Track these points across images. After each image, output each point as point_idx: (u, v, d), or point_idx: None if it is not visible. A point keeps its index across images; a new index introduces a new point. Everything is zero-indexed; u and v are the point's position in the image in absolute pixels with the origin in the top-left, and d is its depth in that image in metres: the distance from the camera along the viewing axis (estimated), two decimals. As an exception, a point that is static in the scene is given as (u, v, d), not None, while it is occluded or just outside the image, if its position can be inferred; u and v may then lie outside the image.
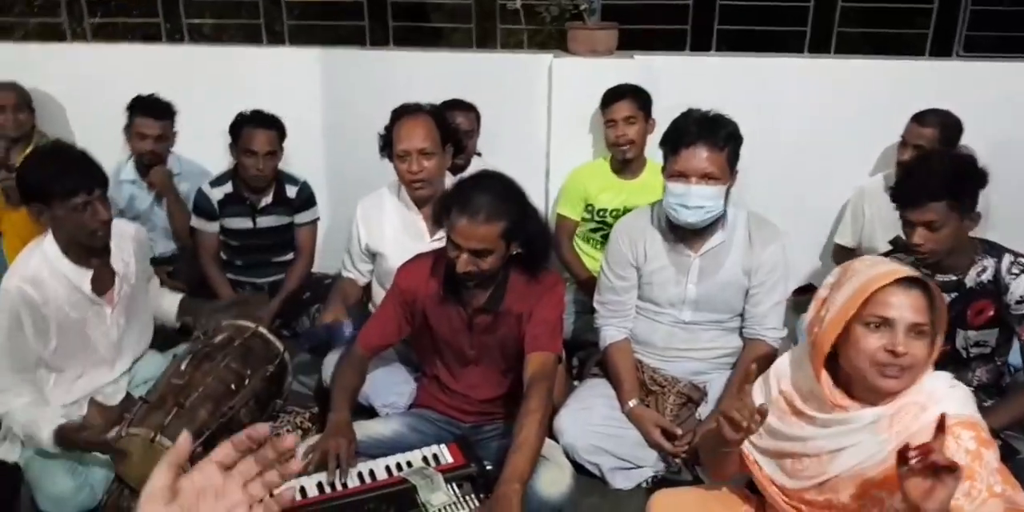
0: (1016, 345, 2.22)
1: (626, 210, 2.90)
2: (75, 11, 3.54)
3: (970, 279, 2.10)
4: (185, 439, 0.73)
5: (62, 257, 1.99)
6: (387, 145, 2.35)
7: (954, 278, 2.11)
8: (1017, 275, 2.05)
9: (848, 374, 1.48)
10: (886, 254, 2.26)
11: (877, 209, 2.96)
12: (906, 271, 1.43)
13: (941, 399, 1.43)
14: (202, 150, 3.15)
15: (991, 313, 2.11)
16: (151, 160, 3.01)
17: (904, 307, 1.40)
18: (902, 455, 1.28)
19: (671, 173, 2.13)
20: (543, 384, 1.83)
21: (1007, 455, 1.98)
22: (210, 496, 0.71)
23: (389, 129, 2.34)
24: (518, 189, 1.93)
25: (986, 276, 2.09)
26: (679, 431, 2.18)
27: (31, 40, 3.59)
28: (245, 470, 0.73)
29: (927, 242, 2.01)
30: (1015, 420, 2.08)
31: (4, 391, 1.98)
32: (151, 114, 2.95)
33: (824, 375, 1.50)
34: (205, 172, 3.13)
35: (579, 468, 2.15)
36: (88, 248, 2.02)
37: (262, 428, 0.73)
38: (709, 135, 2.06)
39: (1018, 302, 2.06)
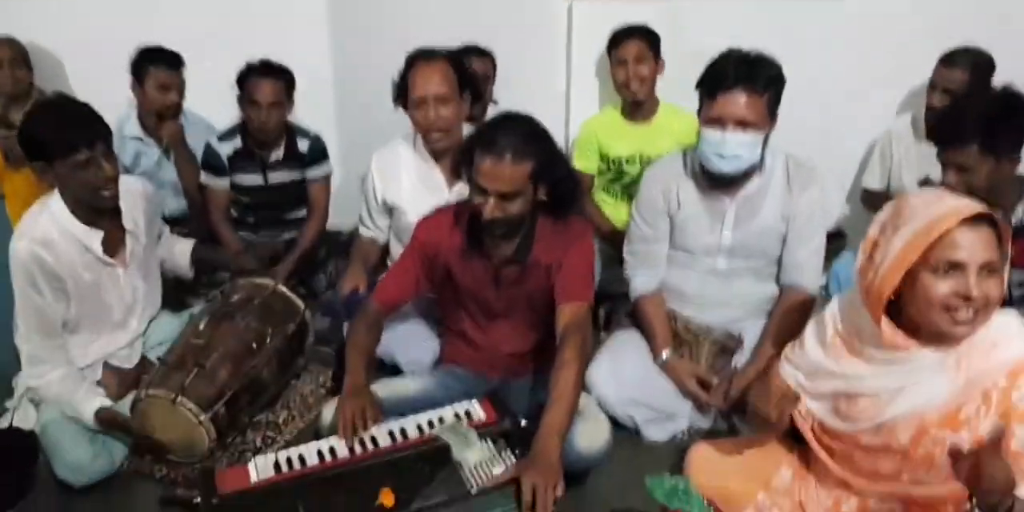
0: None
1: (642, 156, 2.84)
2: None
3: (1016, 217, 2.04)
4: None
5: (71, 217, 1.91)
6: (402, 93, 2.25)
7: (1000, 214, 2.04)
8: None
9: (912, 318, 1.39)
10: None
11: (905, 150, 2.88)
12: (971, 208, 1.32)
13: (1013, 336, 1.37)
14: (208, 103, 3.03)
15: None
16: (171, 113, 2.88)
17: (975, 248, 1.30)
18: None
19: (706, 118, 2.02)
20: (577, 336, 1.77)
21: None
22: None
23: (404, 76, 2.24)
24: (543, 129, 1.84)
25: None
26: (716, 381, 2.13)
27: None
28: None
29: (959, 184, 1.93)
30: None
31: (41, 362, 1.93)
32: (167, 64, 2.80)
33: (886, 321, 1.40)
34: (210, 126, 3.02)
35: (612, 421, 2.08)
36: (97, 208, 1.93)
37: None
38: (748, 79, 1.94)
39: None
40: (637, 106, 2.85)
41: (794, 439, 1.70)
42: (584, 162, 2.94)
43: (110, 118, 1.99)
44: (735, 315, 2.25)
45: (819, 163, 2.40)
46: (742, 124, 1.96)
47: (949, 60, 2.70)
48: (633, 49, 2.76)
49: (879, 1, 3.11)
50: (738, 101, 1.95)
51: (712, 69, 2.02)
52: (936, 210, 1.33)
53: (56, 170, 1.83)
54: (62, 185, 1.88)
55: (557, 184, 1.83)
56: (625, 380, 2.15)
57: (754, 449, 1.74)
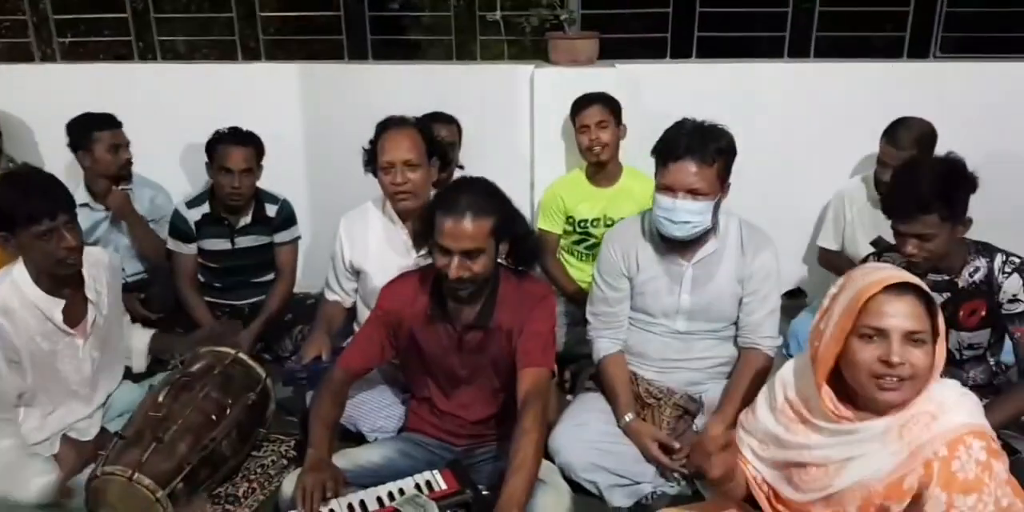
0: (1008, 344, 2.19)
1: (606, 218, 2.90)
2: (43, 31, 3.48)
3: (962, 279, 2.09)
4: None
5: (33, 285, 1.92)
6: (372, 159, 2.31)
7: (946, 278, 2.10)
8: (1009, 274, 2.05)
9: (851, 387, 1.44)
10: (872, 255, 2.26)
11: (858, 212, 2.95)
12: (897, 277, 1.39)
13: (952, 408, 1.40)
14: (178, 170, 3.09)
15: (983, 313, 2.10)
16: (126, 171, 2.89)
17: (897, 315, 1.36)
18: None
19: (659, 185, 2.09)
20: (537, 402, 1.79)
21: (1010, 455, 1.96)
22: None
23: (374, 142, 2.31)
24: (500, 190, 1.91)
25: (978, 276, 2.08)
26: (677, 445, 2.14)
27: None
28: None
29: (920, 252, 1.98)
30: (1011, 419, 2.06)
31: None
32: (111, 125, 2.84)
33: (825, 389, 1.46)
34: (158, 185, 3.06)
35: (576, 487, 2.09)
36: (60, 277, 1.94)
37: None
38: (699, 150, 2.01)
39: (1010, 301, 2.05)
40: (601, 170, 2.92)
41: (754, 505, 1.72)
42: (549, 224, 3.01)
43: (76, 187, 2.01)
44: (696, 377, 2.28)
45: (775, 223, 2.48)
46: (692, 192, 2.02)
47: (894, 140, 2.75)
48: (595, 115, 2.85)
49: (832, 65, 3.29)
50: (688, 170, 2.02)
51: (665, 138, 2.09)
52: (868, 279, 1.40)
53: (19, 239, 1.85)
54: (25, 255, 1.90)
55: (517, 240, 1.89)
56: (589, 445, 2.13)
57: (712, 513, 1.74)
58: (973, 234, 2.09)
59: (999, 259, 2.07)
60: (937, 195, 1.95)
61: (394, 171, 2.24)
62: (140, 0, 3.44)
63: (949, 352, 2.11)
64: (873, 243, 2.74)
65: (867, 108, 3.03)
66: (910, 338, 1.36)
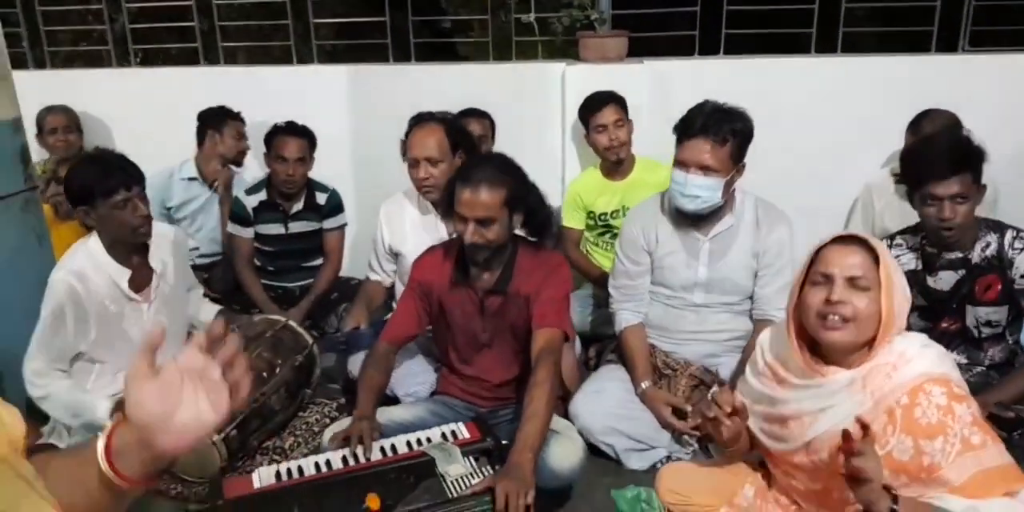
0: (1028, 323, 2.23)
1: (624, 209, 2.99)
2: (120, 40, 3.80)
3: (975, 255, 2.14)
4: (161, 329, 0.84)
5: (105, 254, 2.14)
6: (405, 151, 2.48)
7: (960, 255, 2.15)
8: (1021, 250, 2.09)
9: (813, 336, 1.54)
10: (886, 239, 2.29)
11: (886, 202, 2.99)
12: (848, 232, 1.53)
13: (913, 358, 1.47)
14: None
15: (999, 287, 2.13)
16: (240, 160, 3.26)
17: (843, 263, 1.48)
18: (845, 438, 1.33)
19: (675, 160, 2.22)
20: (549, 358, 1.92)
21: (1022, 427, 2.00)
22: (194, 377, 0.83)
23: (405, 136, 2.48)
24: (516, 164, 2.05)
25: (990, 251, 2.12)
26: (689, 408, 2.23)
27: (81, 67, 3.86)
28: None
29: (958, 215, 2.03)
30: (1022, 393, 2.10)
31: (43, 375, 2.11)
32: (239, 118, 3.22)
33: (796, 342, 1.56)
34: (243, 180, 3.33)
35: (595, 450, 2.21)
36: (130, 246, 2.17)
37: (218, 326, 0.85)
38: (713, 129, 2.14)
39: (1023, 276, 2.10)
40: (617, 165, 3.03)
41: (759, 462, 1.82)
42: (571, 220, 3.13)
43: (151, 171, 2.25)
44: (712, 350, 2.38)
45: (805, 218, 2.51)
46: (703, 168, 2.15)
47: (918, 131, 2.79)
48: (611, 115, 2.94)
49: (859, 59, 3.32)
50: (701, 147, 2.15)
51: (684, 117, 2.22)
52: (825, 236, 1.54)
53: (98, 211, 2.08)
54: (101, 226, 2.12)
55: (531, 212, 2.03)
56: (606, 410, 2.26)
57: (721, 468, 1.85)
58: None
59: (1009, 235, 2.11)
60: (968, 154, 2.03)
61: (418, 166, 2.40)
62: (205, 13, 3.74)
63: (967, 329, 2.20)
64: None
65: (896, 103, 3.05)
66: (852, 283, 1.47)
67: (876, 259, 1.48)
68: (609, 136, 2.95)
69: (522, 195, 2.00)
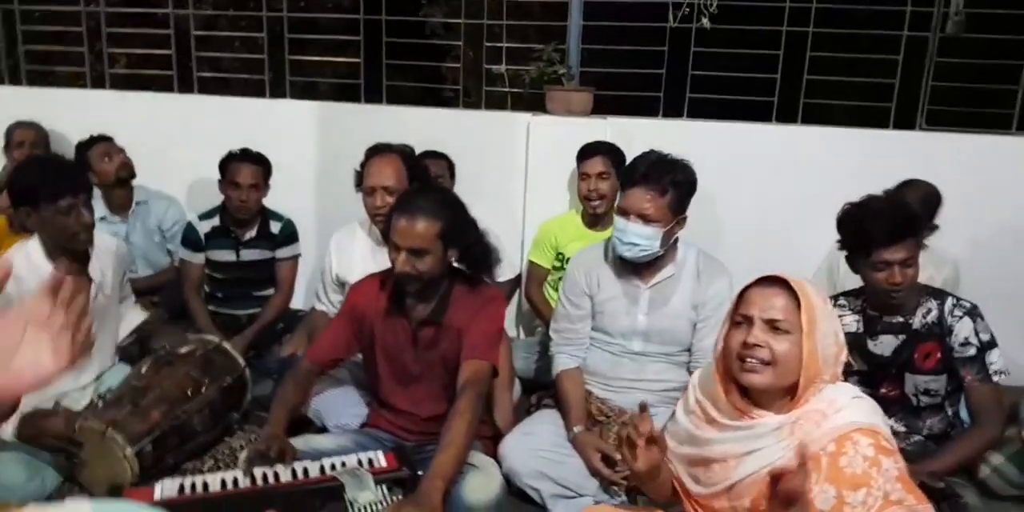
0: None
1: None
2: (97, 62, 3.86)
3: (916, 321, 2.15)
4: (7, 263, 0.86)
5: (44, 258, 2.12)
6: (360, 180, 2.51)
7: (901, 320, 2.16)
8: (960, 317, 2.11)
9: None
10: (836, 297, 2.30)
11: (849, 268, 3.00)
12: (773, 273, 1.53)
13: (843, 407, 1.47)
14: (202, 193, 3.33)
15: (938, 355, 2.14)
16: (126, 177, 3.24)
17: (764, 305, 1.48)
18: (774, 480, 1.32)
19: (617, 207, 2.26)
20: (473, 389, 1.90)
21: (950, 500, 1.98)
22: (38, 323, 0.86)
23: (362, 165, 2.51)
24: (456, 198, 2.06)
25: (931, 318, 2.14)
26: (619, 456, 2.19)
27: (57, 86, 3.91)
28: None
29: (906, 279, 2.05)
30: (958, 463, 2.10)
31: None
32: (108, 139, 3.22)
33: (729, 385, 1.56)
34: (170, 196, 3.36)
35: (523, 495, 2.16)
36: (70, 253, 2.15)
37: (60, 273, 0.88)
38: (654, 178, 2.17)
39: (962, 344, 2.11)
40: (596, 217, 3.06)
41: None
42: (539, 257, 3.15)
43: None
44: (648, 400, 2.35)
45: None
46: (643, 217, 2.18)
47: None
48: (597, 166, 2.98)
49: (818, 130, 3.40)
50: (642, 197, 2.17)
51: (630, 164, 2.27)
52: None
53: (40, 213, 2.06)
54: (42, 228, 2.10)
55: (467, 248, 2.03)
56: (535, 453, 2.20)
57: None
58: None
59: (949, 302, 2.14)
60: (912, 220, 2.07)
61: (375, 195, 2.43)
62: (183, 43, 3.83)
63: (906, 397, 2.19)
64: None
65: (855, 173, 3.09)
66: (772, 326, 1.47)
67: (797, 302, 1.47)
68: (589, 186, 2.99)
69: (459, 229, 2.00)
